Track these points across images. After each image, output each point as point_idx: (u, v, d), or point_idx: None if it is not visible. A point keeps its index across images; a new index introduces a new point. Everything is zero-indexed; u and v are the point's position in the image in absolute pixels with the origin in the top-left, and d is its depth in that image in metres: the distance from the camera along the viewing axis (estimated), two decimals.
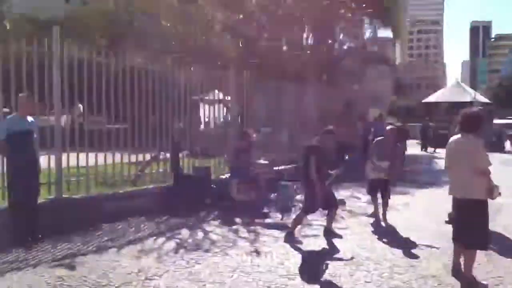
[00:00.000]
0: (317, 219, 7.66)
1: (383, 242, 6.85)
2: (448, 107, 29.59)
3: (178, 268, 5.47)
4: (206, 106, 11.42)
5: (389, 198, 8.26)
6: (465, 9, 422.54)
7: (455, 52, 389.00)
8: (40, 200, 6.73)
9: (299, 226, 7.17)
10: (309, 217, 7.51)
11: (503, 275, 5.40)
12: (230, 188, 9.07)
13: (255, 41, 19.77)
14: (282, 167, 10.36)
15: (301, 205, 7.80)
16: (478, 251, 5.19)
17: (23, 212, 6.22)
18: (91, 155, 8.11)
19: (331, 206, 7.08)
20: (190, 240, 6.76)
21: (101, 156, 8.22)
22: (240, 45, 19.98)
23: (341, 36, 22.94)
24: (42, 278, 5.08)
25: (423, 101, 35.58)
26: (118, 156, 8.58)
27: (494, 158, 9.83)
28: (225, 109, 11.50)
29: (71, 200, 7.35)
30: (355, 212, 8.80)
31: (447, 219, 7.44)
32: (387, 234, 7.31)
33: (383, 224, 7.97)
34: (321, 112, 13.53)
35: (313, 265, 5.83)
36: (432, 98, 33.39)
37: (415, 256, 6.09)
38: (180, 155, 9.47)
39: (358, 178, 10.00)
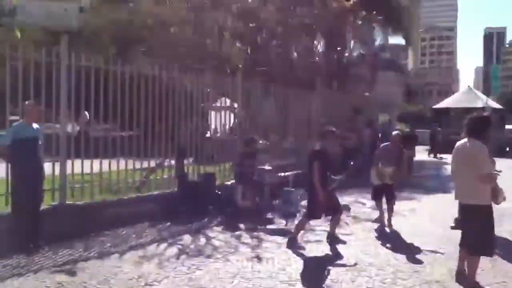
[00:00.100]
0: (320, 225, 7.60)
1: (387, 247, 6.79)
2: (459, 113, 29.31)
3: (178, 274, 5.45)
4: (214, 113, 11.45)
5: (394, 203, 8.20)
6: (479, 15, 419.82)
7: (469, 58, 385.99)
8: (43, 206, 6.75)
9: (302, 232, 7.13)
10: (312, 222, 7.46)
11: (507, 281, 5.33)
12: (234, 194, 9.06)
13: (264, 48, 19.80)
14: (287, 173, 10.32)
15: (305, 210, 7.76)
16: (482, 256, 5.10)
17: (26, 218, 6.25)
18: (96, 162, 8.14)
19: (335, 211, 7.00)
20: (192, 246, 6.74)
21: (105, 163, 8.25)
22: (249, 53, 20.04)
23: (351, 43, 22.90)
24: (43, 284, 5.09)
25: (433, 107, 35.32)
26: (122, 162, 8.61)
27: (504, 163, 9.77)
28: (232, 115, 11.51)
29: (74, 206, 7.36)
30: (359, 218, 8.74)
31: (453, 224, 7.39)
32: (392, 240, 7.25)
33: (387, 229, 7.90)
34: (329, 118, 13.45)
35: (314, 271, 5.79)
36: (443, 104, 33.17)
37: (419, 262, 6.03)
38: (186, 161, 9.47)
39: (362, 184, 9.93)
